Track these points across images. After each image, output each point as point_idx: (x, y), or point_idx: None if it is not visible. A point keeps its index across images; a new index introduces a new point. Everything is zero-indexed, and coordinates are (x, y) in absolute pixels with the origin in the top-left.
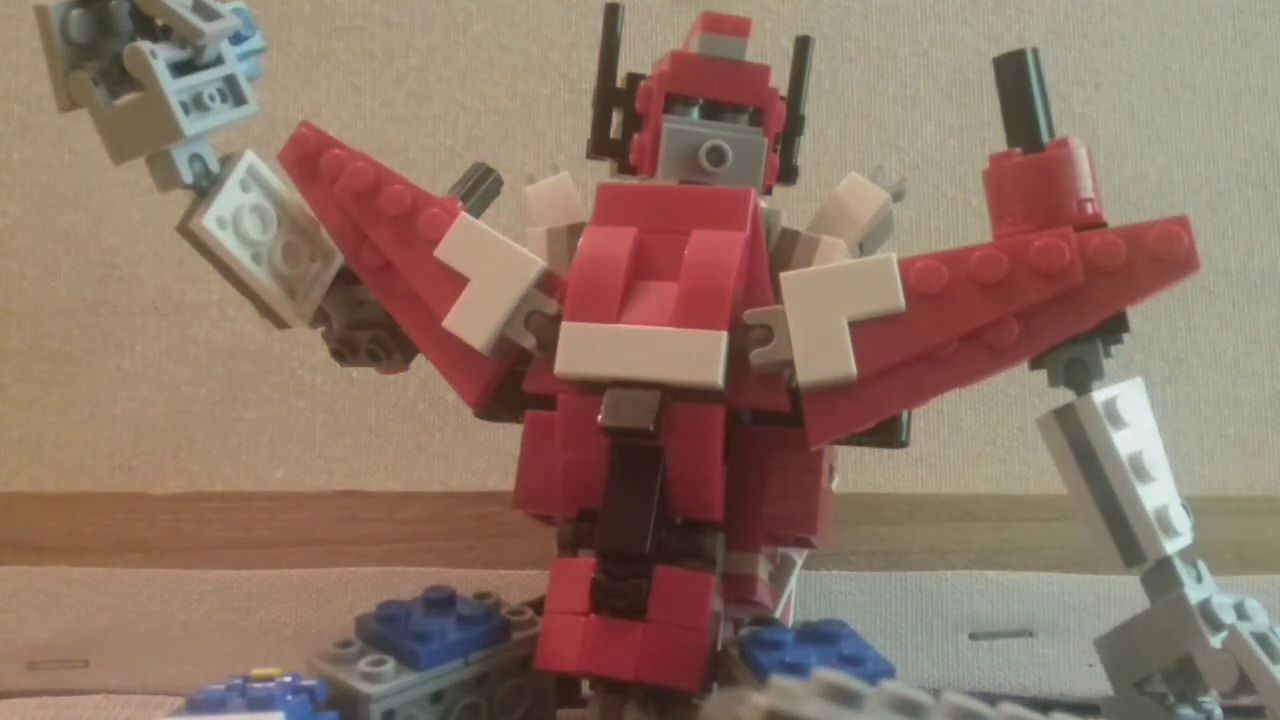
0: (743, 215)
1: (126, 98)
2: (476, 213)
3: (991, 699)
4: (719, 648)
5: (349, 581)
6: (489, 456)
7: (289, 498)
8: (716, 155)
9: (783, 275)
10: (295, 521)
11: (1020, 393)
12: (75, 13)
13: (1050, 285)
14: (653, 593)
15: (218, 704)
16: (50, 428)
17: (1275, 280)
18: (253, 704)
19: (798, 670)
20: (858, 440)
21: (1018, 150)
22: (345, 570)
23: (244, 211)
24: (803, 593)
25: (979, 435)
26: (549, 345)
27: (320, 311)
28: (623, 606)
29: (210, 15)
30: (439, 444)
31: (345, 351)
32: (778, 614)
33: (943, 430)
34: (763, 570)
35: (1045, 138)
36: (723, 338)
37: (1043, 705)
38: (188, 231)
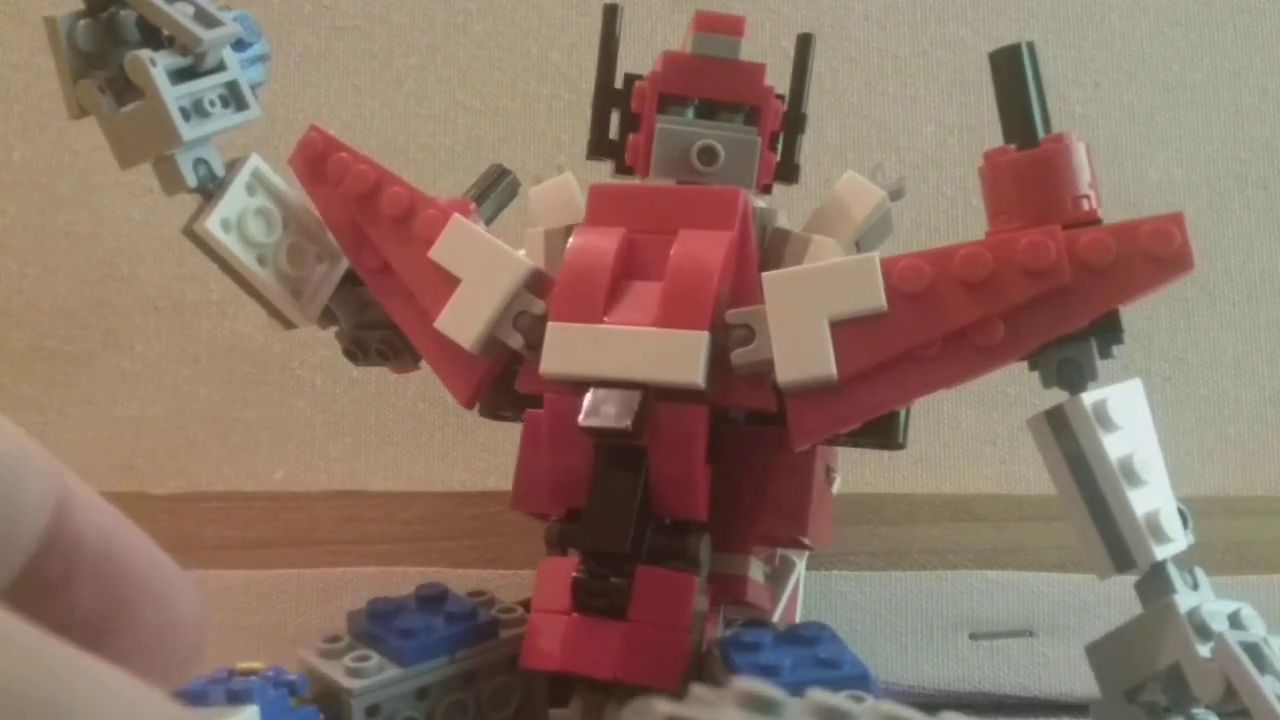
0: (731, 215)
1: (131, 105)
2: (490, 215)
3: (992, 699)
4: (704, 648)
5: (349, 581)
6: (489, 456)
7: (289, 498)
8: (708, 155)
9: (764, 275)
10: (295, 521)
11: (1020, 392)
12: (82, 23)
13: (1036, 284)
14: (635, 593)
15: (199, 695)
16: (50, 428)
17: (1275, 280)
18: (232, 696)
19: (770, 672)
20: (854, 442)
21: (1013, 146)
22: (345, 570)
23: (249, 214)
24: (803, 593)
25: (979, 435)
26: (536, 345)
27: (328, 312)
28: (604, 606)
29: (211, 23)
30: (439, 444)
31: (357, 351)
32: (778, 615)
33: (943, 430)
34: (756, 571)
35: (1041, 133)
36: (704, 338)
37: (1043, 705)
38: (193, 234)
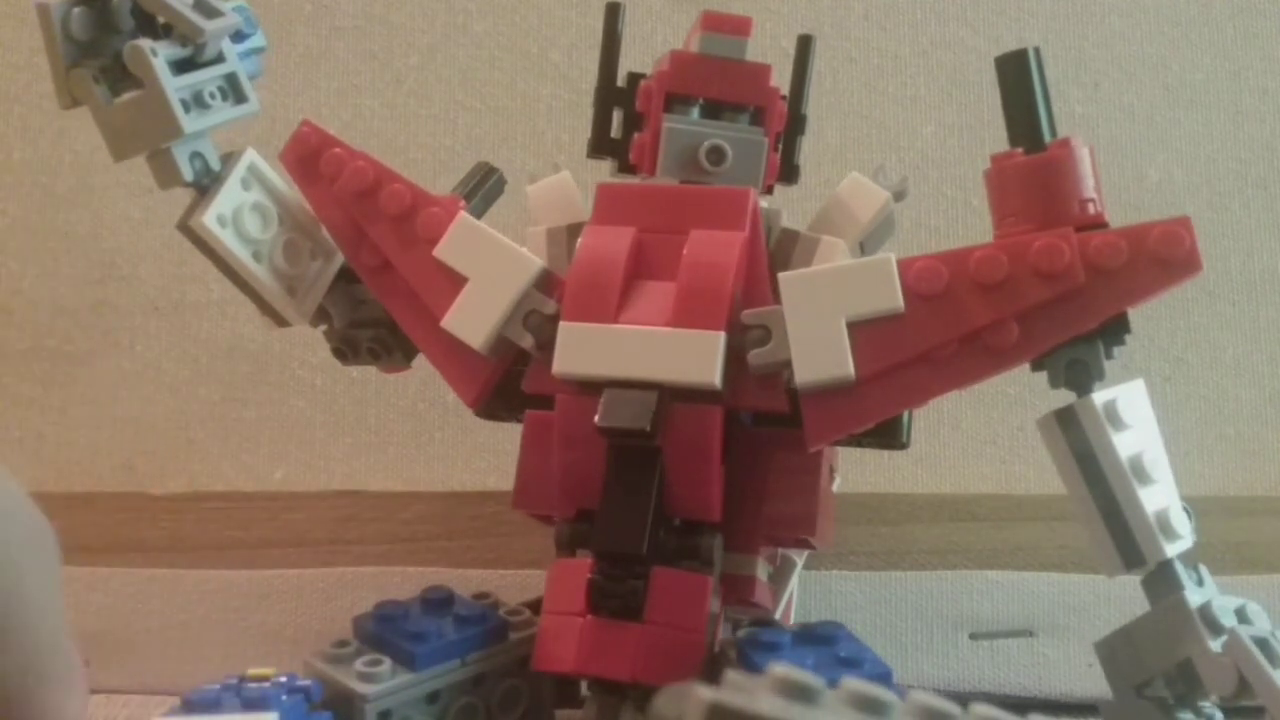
0: (742, 215)
1: (127, 95)
2: (479, 212)
3: (992, 699)
4: (717, 649)
5: (349, 581)
6: (489, 456)
7: (289, 498)
8: (716, 155)
9: (781, 275)
10: (295, 521)
11: (1020, 393)
12: (76, 10)
13: (1050, 286)
14: (649, 594)
15: (213, 703)
16: (50, 428)
17: (1275, 280)
18: (247, 704)
19: None
20: (858, 441)
21: (1019, 150)
22: (345, 570)
23: (245, 209)
24: (802, 593)
25: (979, 435)
26: (547, 345)
27: (321, 310)
28: (619, 608)
29: (211, 13)
30: (439, 444)
31: (347, 350)
32: (778, 614)
33: (943, 430)
34: (762, 571)
35: (1047, 137)
36: (720, 338)
37: (1043, 705)
38: (188, 229)
